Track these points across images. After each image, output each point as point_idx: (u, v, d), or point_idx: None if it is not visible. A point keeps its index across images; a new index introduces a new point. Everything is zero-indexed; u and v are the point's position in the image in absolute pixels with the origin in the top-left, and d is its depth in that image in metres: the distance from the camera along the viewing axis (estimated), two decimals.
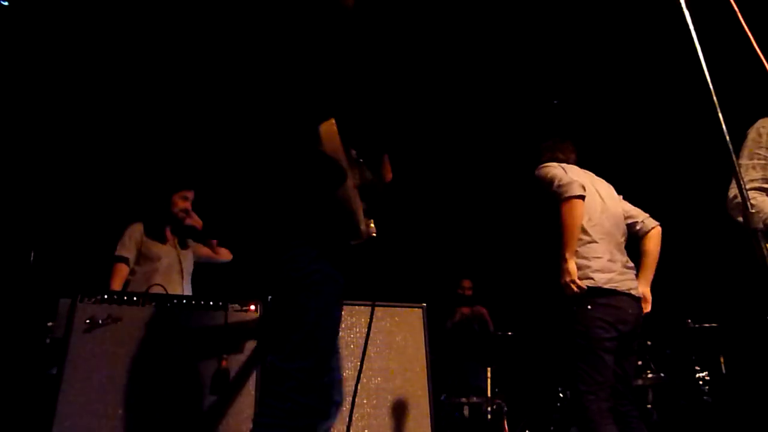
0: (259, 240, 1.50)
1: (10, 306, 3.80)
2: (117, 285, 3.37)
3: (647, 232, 3.02)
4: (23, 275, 3.91)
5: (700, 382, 3.73)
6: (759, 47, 1.45)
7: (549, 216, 2.90)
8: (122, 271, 3.43)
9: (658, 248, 3.01)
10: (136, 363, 2.44)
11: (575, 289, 2.66)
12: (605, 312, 2.66)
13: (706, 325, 3.83)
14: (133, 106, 4.66)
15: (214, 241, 3.82)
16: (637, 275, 2.90)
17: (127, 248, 3.46)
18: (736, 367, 3.84)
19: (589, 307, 2.67)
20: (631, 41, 4.30)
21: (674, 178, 4.76)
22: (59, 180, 4.40)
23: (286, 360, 1.39)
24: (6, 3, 3.94)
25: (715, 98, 1.27)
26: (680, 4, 1.43)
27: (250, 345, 2.65)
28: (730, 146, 1.23)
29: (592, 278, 2.70)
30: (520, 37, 4.51)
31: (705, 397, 3.68)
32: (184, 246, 3.68)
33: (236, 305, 2.70)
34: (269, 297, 2.73)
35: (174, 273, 3.52)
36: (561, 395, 3.98)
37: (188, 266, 3.65)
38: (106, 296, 2.50)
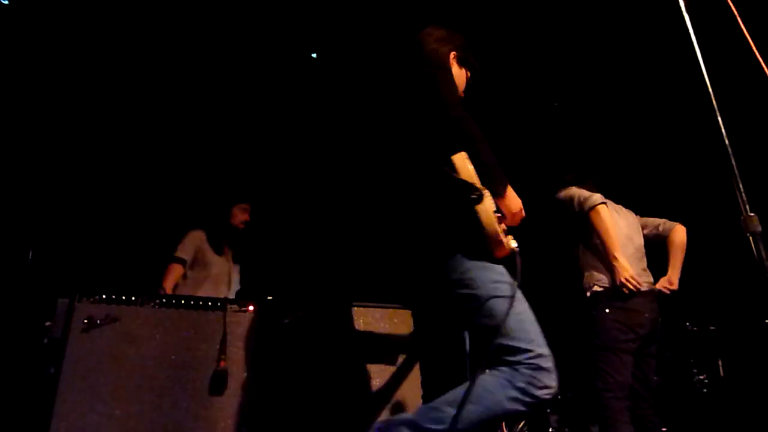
0: (424, 256, 1.76)
1: (8, 305, 3.80)
2: (169, 284, 3.43)
3: (671, 229, 3.18)
4: (21, 274, 3.91)
5: (698, 385, 3.73)
6: (758, 50, 1.45)
7: (573, 230, 3.12)
8: (177, 272, 3.48)
9: (684, 241, 3.17)
10: (134, 363, 2.44)
11: (634, 283, 2.78)
12: (622, 315, 2.80)
13: (705, 328, 3.84)
14: (150, 107, 4.66)
15: None
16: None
17: (187, 251, 3.53)
18: (734, 369, 3.84)
19: (607, 310, 2.82)
20: (632, 43, 4.30)
21: (672, 181, 4.76)
22: (59, 179, 4.39)
23: (509, 354, 1.61)
24: (6, 2, 3.93)
25: (714, 101, 1.27)
26: (680, 7, 1.43)
27: (249, 346, 2.65)
28: (729, 149, 1.23)
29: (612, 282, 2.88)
30: (521, 39, 4.51)
31: (703, 400, 3.68)
32: (237, 260, 3.75)
33: (235, 306, 2.70)
34: (269, 297, 2.74)
35: (222, 284, 3.57)
36: (559, 396, 3.97)
37: (236, 280, 3.69)
38: (104, 296, 2.50)
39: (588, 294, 2.92)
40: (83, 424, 2.29)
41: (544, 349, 1.62)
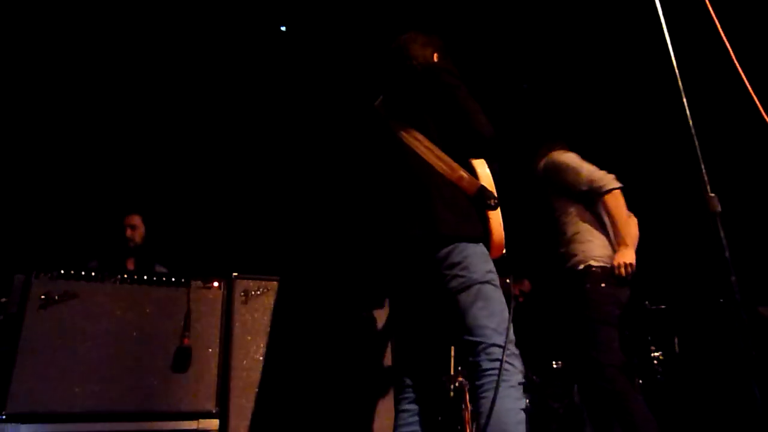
0: (437, 244, 1.87)
1: None
2: None
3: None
4: None
5: (655, 362, 3.84)
6: (725, 35, 1.46)
7: (561, 199, 2.98)
8: None
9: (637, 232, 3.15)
10: (94, 340, 2.39)
11: (630, 273, 2.75)
12: (616, 291, 2.74)
13: (663, 306, 3.95)
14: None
15: None
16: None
17: None
18: (688, 347, 3.98)
19: (603, 285, 2.74)
20: (601, 25, 4.33)
21: (636, 162, 4.85)
22: (14, 154, 4.23)
23: (495, 338, 1.79)
24: None
25: (680, 84, 1.29)
26: None
27: (214, 322, 2.62)
28: (693, 130, 1.25)
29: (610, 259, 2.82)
30: (490, 21, 4.50)
31: (659, 377, 3.80)
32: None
33: (199, 282, 2.66)
34: (233, 274, 2.70)
35: None
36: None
37: None
38: (62, 272, 2.43)
39: (580, 267, 2.81)
40: (41, 403, 2.24)
41: (510, 335, 1.81)
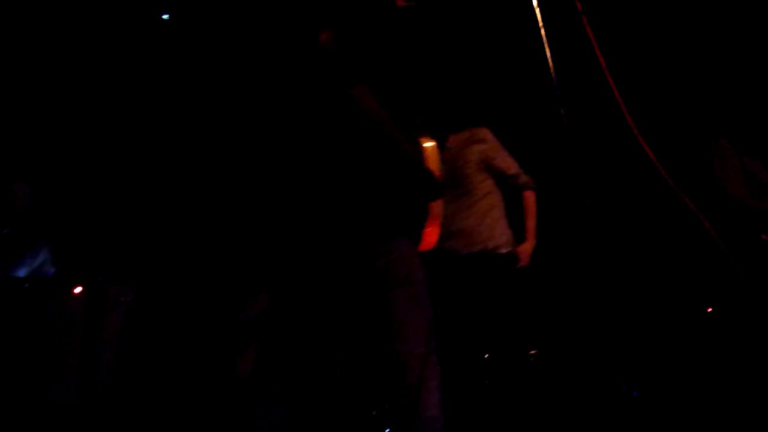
0: (364, 240, 1.65)
1: None
2: None
3: None
4: None
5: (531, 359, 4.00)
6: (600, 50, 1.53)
7: (491, 179, 2.94)
8: None
9: None
10: None
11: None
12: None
13: None
14: None
15: None
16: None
17: None
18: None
19: (519, 271, 2.84)
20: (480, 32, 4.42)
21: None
22: None
23: (418, 346, 1.63)
24: None
25: (554, 79, 1.32)
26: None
27: (76, 330, 2.39)
28: (569, 130, 1.29)
29: None
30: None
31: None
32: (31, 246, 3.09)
33: (61, 286, 2.43)
34: (100, 279, 2.48)
35: None
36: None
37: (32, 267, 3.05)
38: None
39: (502, 251, 2.81)
40: None
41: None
